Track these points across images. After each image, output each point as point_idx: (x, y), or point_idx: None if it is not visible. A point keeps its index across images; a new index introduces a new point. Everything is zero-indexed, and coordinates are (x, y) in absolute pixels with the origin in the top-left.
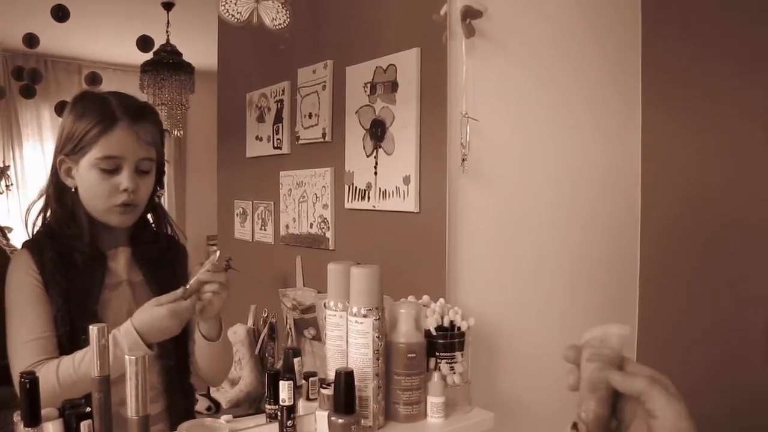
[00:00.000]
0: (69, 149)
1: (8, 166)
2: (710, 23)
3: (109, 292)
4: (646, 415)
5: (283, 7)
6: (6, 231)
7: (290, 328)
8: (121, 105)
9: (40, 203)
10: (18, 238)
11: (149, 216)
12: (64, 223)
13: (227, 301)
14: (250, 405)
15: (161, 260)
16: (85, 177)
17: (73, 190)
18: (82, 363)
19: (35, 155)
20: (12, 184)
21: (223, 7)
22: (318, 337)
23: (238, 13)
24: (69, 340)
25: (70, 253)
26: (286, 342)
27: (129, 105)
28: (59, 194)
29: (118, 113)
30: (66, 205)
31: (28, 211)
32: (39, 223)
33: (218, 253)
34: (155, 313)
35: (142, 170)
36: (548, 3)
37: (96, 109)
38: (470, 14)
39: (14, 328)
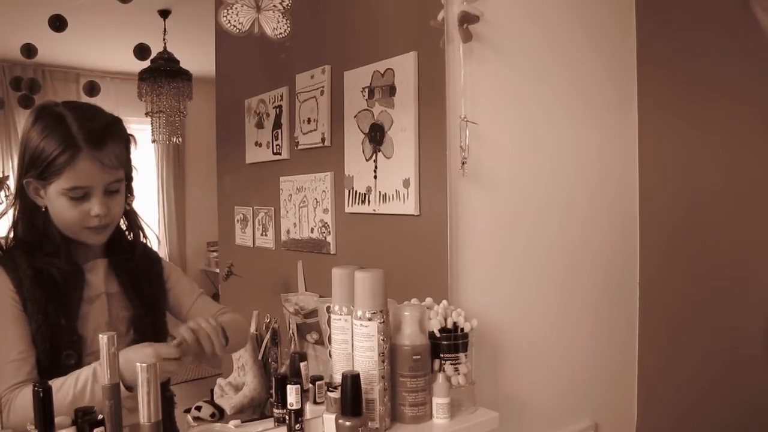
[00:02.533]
0: (34, 174)
1: (7, 176)
2: (705, 16)
3: (88, 306)
4: None
5: (283, 17)
6: (3, 241)
7: (293, 333)
8: (81, 129)
9: (8, 218)
10: None
11: (122, 223)
12: (38, 240)
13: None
14: (254, 410)
15: (137, 269)
16: (54, 202)
17: (43, 209)
18: (59, 393)
19: None
20: (10, 195)
21: (224, 18)
22: (321, 342)
23: (239, 23)
24: (49, 357)
25: (47, 269)
26: (288, 347)
27: (89, 129)
28: (30, 213)
29: (79, 140)
30: (38, 224)
31: None
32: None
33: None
34: (137, 356)
35: (112, 191)
36: (543, 6)
37: (57, 134)
38: (467, 19)
39: None
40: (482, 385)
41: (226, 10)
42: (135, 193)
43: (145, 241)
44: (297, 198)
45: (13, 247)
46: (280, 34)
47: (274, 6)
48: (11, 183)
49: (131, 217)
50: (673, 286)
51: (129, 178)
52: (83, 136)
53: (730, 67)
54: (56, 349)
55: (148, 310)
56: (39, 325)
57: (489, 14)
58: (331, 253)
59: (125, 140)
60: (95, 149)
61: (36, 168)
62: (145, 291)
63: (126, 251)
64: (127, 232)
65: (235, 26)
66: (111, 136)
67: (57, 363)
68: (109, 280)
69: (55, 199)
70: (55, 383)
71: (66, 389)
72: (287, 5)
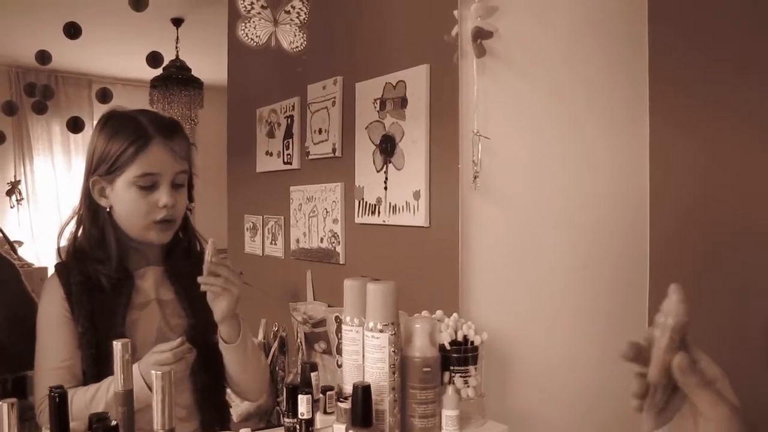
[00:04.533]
0: (103, 170)
1: (19, 181)
2: (718, 34)
3: (137, 312)
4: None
5: (300, 31)
6: (16, 245)
7: (301, 342)
8: (152, 122)
9: (73, 224)
10: (28, 252)
11: (179, 232)
12: (94, 245)
13: (239, 300)
14: (260, 419)
15: (192, 276)
16: (122, 196)
17: (107, 209)
18: (94, 400)
19: (46, 169)
20: (23, 198)
21: (242, 31)
22: (329, 351)
23: (257, 36)
24: (95, 362)
25: (95, 275)
26: (296, 356)
27: (159, 122)
28: (93, 215)
29: (151, 131)
30: (98, 225)
31: (61, 233)
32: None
33: (210, 240)
34: (150, 361)
35: (178, 184)
36: (556, 23)
37: (129, 129)
38: (481, 35)
39: (41, 352)
40: (491, 398)
41: (243, 24)
42: (194, 198)
43: (200, 249)
44: (307, 208)
45: (70, 253)
46: (297, 47)
47: (291, 20)
48: (23, 187)
49: (188, 225)
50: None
51: (191, 184)
52: (155, 127)
53: (742, 86)
54: (102, 354)
55: (202, 320)
56: (85, 330)
57: (503, 30)
58: (341, 263)
59: (189, 140)
60: (167, 138)
61: (106, 163)
62: (200, 298)
63: (182, 258)
64: (183, 240)
65: (252, 39)
66: (177, 131)
67: (103, 369)
68: (162, 287)
69: (123, 192)
70: (92, 388)
71: (99, 397)
72: (304, 19)
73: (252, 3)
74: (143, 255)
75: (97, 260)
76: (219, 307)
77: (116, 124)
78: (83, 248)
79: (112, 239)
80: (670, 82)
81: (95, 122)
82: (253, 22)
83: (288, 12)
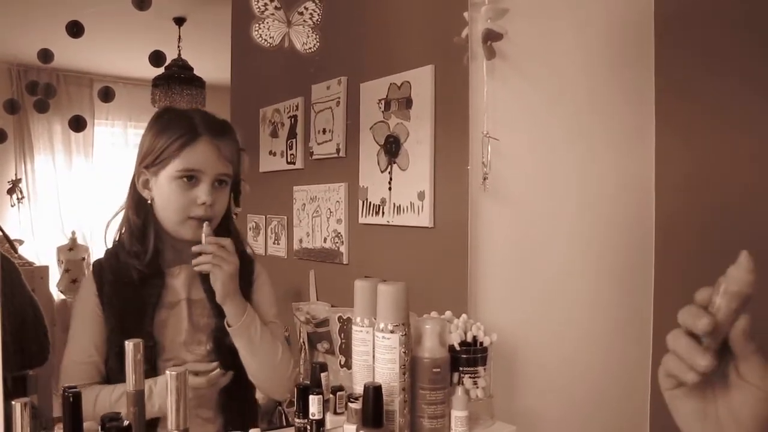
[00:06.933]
0: (149, 161)
1: (20, 179)
2: (723, 43)
3: (167, 311)
4: (736, 372)
5: (313, 32)
6: (17, 244)
7: (303, 342)
8: (203, 120)
9: (120, 217)
10: (28, 251)
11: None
12: (134, 235)
13: (234, 276)
14: (262, 418)
15: None
16: (164, 189)
17: (149, 201)
18: (119, 402)
19: (46, 168)
20: (23, 197)
21: (256, 32)
22: (331, 351)
23: (270, 37)
24: (121, 359)
25: (127, 271)
26: (299, 355)
27: (211, 121)
28: (136, 205)
29: (201, 128)
30: (140, 216)
31: (108, 225)
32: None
33: (205, 224)
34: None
35: (220, 184)
36: (565, 27)
37: (179, 124)
38: (491, 37)
39: (69, 346)
40: (500, 399)
41: (257, 25)
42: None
43: (242, 249)
44: (310, 208)
45: (110, 250)
46: (310, 48)
47: (304, 21)
48: (24, 186)
49: (230, 225)
50: (687, 302)
51: (237, 184)
52: (205, 126)
53: (746, 93)
54: None
55: None
56: (113, 328)
57: (513, 33)
58: (344, 263)
59: (238, 145)
60: (215, 137)
61: (151, 155)
62: None
63: None
64: None
65: (266, 40)
66: (228, 133)
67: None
68: (193, 287)
69: (165, 184)
70: (118, 389)
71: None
72: (317, 20)
73: (266, 4)
74: (179, 253)
75: (134, 254)
76: (216, 285)
77: (169, 118)
78: (122, 242)
79: (151, 231)
80: (675, 88)
81: (96, 120)
82: (267, 23)
83: (301, 13)
